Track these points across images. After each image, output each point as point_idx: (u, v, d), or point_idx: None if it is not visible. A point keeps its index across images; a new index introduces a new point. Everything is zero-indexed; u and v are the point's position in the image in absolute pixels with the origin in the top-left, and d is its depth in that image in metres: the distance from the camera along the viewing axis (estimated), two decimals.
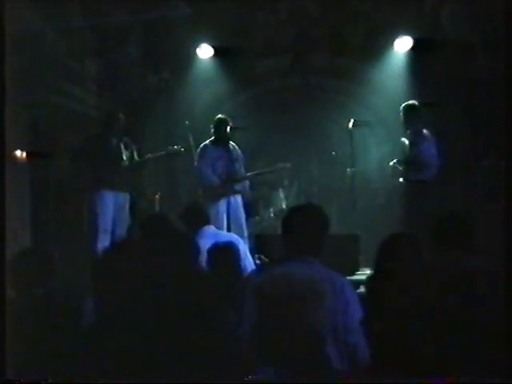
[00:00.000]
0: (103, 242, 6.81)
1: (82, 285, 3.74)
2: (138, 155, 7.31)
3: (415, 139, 7.46)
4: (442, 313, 3.32)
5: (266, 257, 5.71)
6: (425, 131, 7.53)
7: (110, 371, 2.85)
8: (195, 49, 8.61)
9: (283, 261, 3.51)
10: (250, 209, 8.04)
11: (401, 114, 7.50)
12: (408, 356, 3.25)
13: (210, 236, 5.46)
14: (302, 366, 3.25)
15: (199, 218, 5.86)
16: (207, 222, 5.89)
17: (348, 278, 3.73)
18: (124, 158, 7.16)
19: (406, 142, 7.50)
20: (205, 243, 4.80)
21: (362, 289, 5.56)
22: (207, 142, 7.67)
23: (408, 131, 7.50)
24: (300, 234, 3.47)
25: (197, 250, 3.84)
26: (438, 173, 7.47)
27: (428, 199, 7.34)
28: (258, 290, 3.44)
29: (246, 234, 7.45)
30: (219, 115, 7.70)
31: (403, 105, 7.54)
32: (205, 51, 8.59)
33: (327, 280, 3.35)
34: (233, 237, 5.90)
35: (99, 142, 7.10)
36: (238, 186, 7.66)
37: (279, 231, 3.69)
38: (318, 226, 3.53)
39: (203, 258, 4.39)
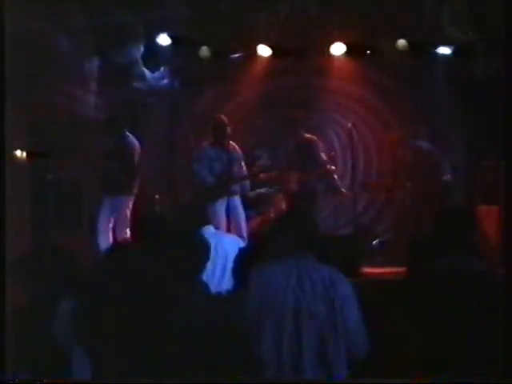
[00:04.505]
0: (102, 242, 6.81)
1: (82, 285, 3.74)
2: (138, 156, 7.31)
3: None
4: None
5: None
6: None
7: (109, 371, 2.85)
8: (195, 49, 8.60)
9: (281, 257, 3.57)
10: (249, 209, 8.02)
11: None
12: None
13: (209, 236, 5.43)
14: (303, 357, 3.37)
15: (198, 218, 5.83)
16: (206, 223, 5.86)
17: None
18: (122, 158, 7.16)
19: None
20: None
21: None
22: (206, 142, 7.67)
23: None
24: (299, 231, 3.57)
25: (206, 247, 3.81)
26: None
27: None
28: (258, 285, 3.50)
29: (245, 234, 7.44)
30: (218, 115, 7.70)
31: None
32: (204, 51, 8.59)
33: (325, 276, 3.45)
34: (233, 237, 5.88)
35: (97, 142, 7.11)
36: (237, 186, 7.66)
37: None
38: (316, 223, 3.68)
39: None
